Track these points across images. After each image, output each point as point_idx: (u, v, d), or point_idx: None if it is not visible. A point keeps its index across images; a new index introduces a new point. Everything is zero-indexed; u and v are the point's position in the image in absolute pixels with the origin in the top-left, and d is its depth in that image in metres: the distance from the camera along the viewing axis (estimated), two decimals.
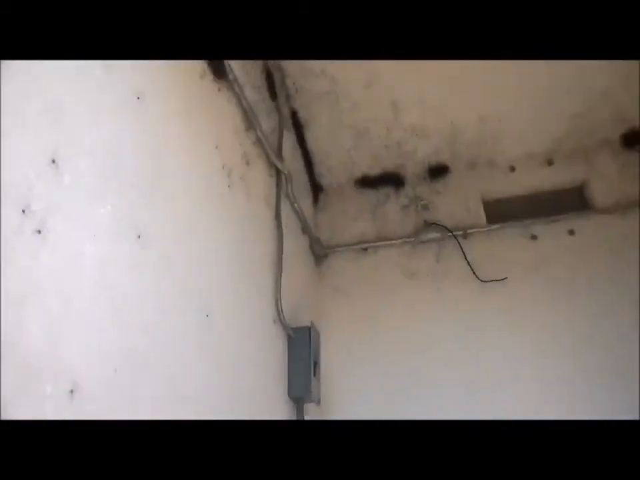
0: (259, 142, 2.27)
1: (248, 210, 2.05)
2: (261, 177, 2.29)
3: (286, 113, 2.95)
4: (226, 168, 1.84)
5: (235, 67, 2.08)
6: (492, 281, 2.87)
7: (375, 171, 3.37)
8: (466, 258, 2.95)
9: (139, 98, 1.33)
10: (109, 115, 1.18)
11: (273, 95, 2.66)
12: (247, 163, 2.11)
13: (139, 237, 1.21)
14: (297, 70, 2.89)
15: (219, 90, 1.87)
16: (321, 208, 3.46)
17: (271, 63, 2.68)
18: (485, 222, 3.09)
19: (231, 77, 1.94)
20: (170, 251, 1.38)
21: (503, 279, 2.86)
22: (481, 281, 2.89)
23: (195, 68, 1.71)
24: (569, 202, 3.10)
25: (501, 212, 3.16)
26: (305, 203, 3.22)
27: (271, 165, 2.44)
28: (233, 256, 1.87)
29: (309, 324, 2.40)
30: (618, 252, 2.81)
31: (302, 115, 3.13)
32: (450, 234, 3.05)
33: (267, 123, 2.49)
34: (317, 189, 3.48)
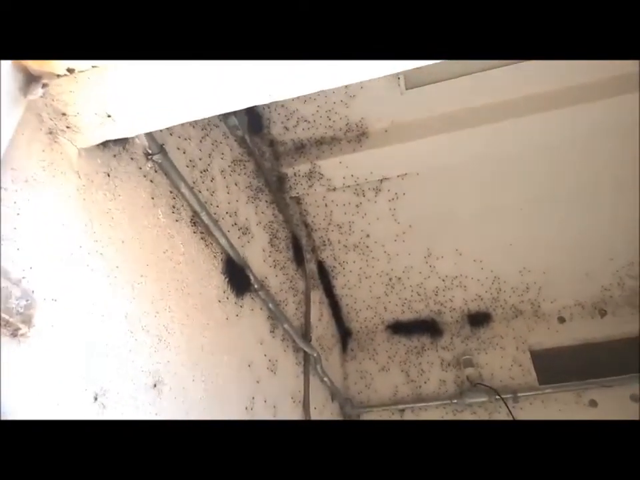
0: (286, 334, 2.05)
1: None
2: (288, 375, 2.04)
3: (311, 269, 2.75)
4: (249, 407, 1.60)
5: (256, 263, 1.90)
6: None
7: (408, 316, 3.12)
8: None
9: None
10: None
11: (299, 260, 2.48)
12: (273, 370, 1.87)
13: None
14: (324, 225, 2.73)
15: (240, 312, 1.66)
16: (350, 356, 3.19)
17: (295, 226, 2.52)
18: (537, 382, 2.77)
19: (256, 286, 1.75)
20: None
21: None
22: None
23: (216, 292, 1.51)
24: (625, 356, 2.77)
25: (552, 366, 2.84)
26: (333, 354, 2.96)
27: (298, 349, 2.20)
28: None
29: None
30: None
31: (329, 264, 2.94)
32: (498, 397, 2.73)
33: (293, 300, 2.28)
34: (345, 334, 3.23)
